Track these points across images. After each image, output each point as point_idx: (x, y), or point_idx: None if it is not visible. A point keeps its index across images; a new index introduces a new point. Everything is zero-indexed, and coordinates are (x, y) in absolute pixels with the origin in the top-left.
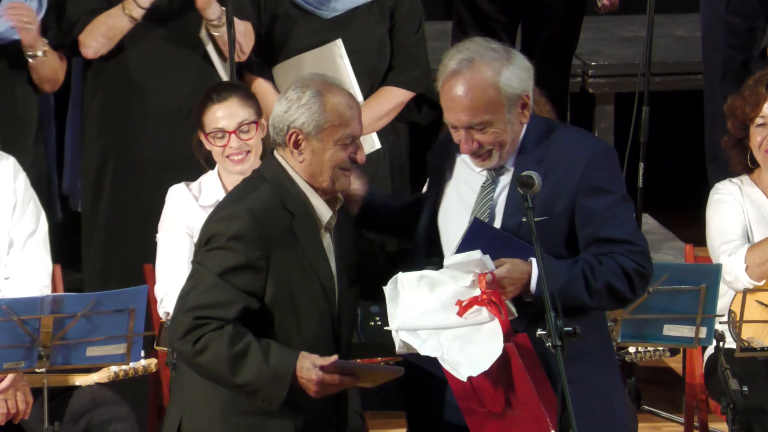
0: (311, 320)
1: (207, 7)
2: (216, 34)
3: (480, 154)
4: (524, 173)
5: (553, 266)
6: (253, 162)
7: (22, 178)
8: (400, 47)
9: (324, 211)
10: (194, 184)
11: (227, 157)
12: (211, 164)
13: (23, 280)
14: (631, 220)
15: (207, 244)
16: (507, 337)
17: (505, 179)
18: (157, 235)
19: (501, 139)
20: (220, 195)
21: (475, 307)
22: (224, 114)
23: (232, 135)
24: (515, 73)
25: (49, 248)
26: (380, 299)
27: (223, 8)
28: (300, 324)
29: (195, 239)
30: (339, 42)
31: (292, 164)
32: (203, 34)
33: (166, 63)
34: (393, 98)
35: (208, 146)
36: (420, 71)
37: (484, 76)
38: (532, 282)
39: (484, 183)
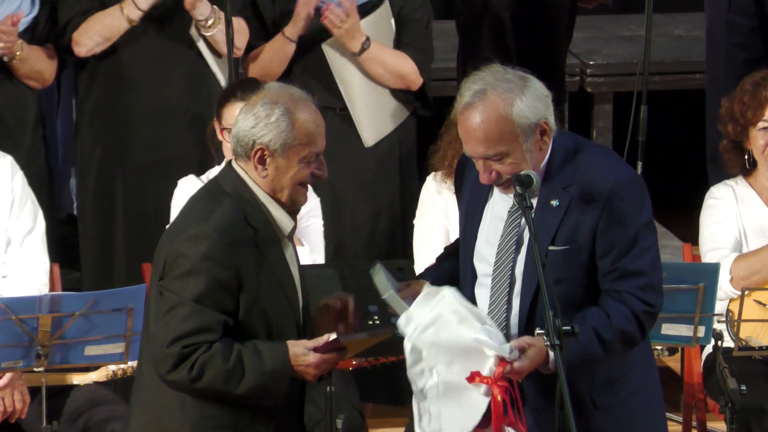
0: (280, 331)
1: (194, 8)
2: (206, 34)
3: (500, 183)
4: (523, 172)
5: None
6: None
7: (20, 176)
8: (409, 40)
9: (286, 222)
10: (203, 177)
11: None
12: (221, 155)
13: (21, 279)
14: (648, 250)
15: (175, 266)
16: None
17: (535, 202)
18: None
19: (519, 168)
20: None
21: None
22: None
23: None
24: (529, 103)
25: (47, 247)
26: None
27: (214, 7)
28: (272, 335)
29: None
30: (387, 3)
31: (253, 177)
32: (193, 31)
33: (160, 61)
34: (405, 61)
35: (220, 137)
36: (426, 57)
37: (496, 109)
38: (551, 360)
39: (510, 208)
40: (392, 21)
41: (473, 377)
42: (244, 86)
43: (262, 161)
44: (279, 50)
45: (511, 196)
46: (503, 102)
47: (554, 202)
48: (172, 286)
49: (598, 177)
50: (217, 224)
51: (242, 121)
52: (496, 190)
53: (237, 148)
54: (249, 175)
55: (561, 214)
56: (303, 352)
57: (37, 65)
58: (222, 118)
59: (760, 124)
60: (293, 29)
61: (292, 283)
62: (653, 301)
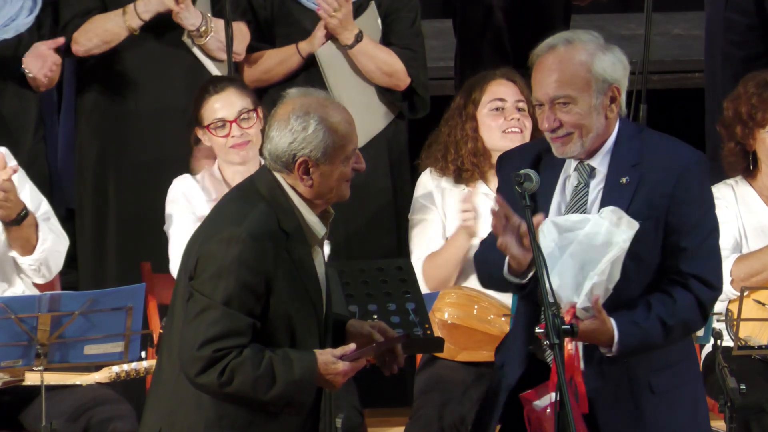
0: (303, 337)
1: (182, 20)
2: (198, 43)
3: (560, 136)
4: (522, 171)
5: (629, 319)
6: (254, 153)
7: (14, 164)
8: (396, 40)
9: (319, 228)
10: (198, 177)
11: (231, 147)
12: (210, 160)
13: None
14: (715, 231)
15: (206, 268)
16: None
17: (597, 183)
18: (167, 226)
19: (583, 122)
20: (222, 189)
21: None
22: (223, 104)
23: (233, 124)
24: (610, 61)
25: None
26: None
27: (207, 15)
28: (295, 341)
29: None
30: (373, 5)
31: (292, 183)
32: (186, 38)
33: (159, 61)
34: (395, 59)
35: (207, 141)
36: (414, 56)
37: (578, 54)
38: (615, 344)
39: (576, 186)
40: (378, 21)
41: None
42: (214, 81)
43: (306, 172)
44: (286, 60)
45: (575, 176)
46: (586, 52)
47: (624, 180)
48: (203, 288)
49: (669, 155)
50: (251, 228)
51: (278, 138)
52: (560, 182)
53: (275, 164)
54: (286, 180)
55: (632, 191)
56: (332, 360)
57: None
58: (203, 118)
59: None
60: (308, 47)
61: (319, 289)
62: (718, 283)
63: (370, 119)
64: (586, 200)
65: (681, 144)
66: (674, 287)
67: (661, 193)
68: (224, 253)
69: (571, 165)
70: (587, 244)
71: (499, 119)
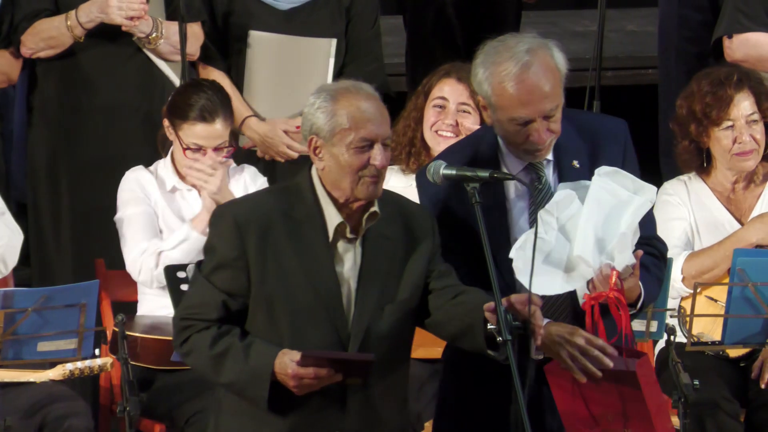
0: (295, 324)
1: (132, 30)
2: (150, 47)
3: (544, 147)
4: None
5: (645, 277)
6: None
7: None
8: (357, 42)
9: (333, 218)
10: (152, 168)
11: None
12: (165, 150)
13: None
14: None
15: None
16: (626, 344)
17: (550, 172)
18: (121, 215)
19: (559, 126)
20: (174, 180)
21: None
22: (208, 134)
23: (208, 151)
24: (562, 56)
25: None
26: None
27: (158, 20)
28: (278, 327)
29: (159, 219)
30: (334, 42)
31: (318, 171)
32: (136, 39)
33: (112, 59)
34: None
35: (170, 136)
36: (377, 65)
37: (548, 60)
38: (641, 301)
39: (539, 183)
40: (330, 59)
41: (588, 301)
42: (209, 108)
43: (316, 151)
44: None
45: (522, 174)
46: (549, 55)
47: (575, 163)
48: (200, 261)
49: (604, 129)
50: (237, 207)
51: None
52: (512, 199)
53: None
54: (317, 169)
55: (587, 173)
56: (286, 361)
57: (4, 68)
58: (181, 131)
59: (725, 124)
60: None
61: (333, 282)
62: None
63: None
64: (550, 187)
65: (603, 115)
66: (647, 248)
67: (616, 166)
68: (212, 229)
69: (513, 165)
70: (597, 206)
71: (435, 117)
